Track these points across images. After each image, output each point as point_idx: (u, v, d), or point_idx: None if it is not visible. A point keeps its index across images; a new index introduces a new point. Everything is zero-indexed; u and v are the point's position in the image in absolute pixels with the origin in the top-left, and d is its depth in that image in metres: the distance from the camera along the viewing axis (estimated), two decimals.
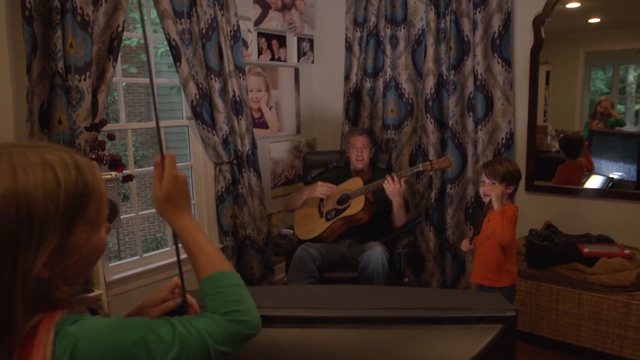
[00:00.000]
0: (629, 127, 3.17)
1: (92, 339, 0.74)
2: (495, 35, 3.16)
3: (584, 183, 3.26)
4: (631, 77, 3.20)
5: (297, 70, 4.03)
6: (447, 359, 0.91)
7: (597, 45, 3.29)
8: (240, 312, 0.83)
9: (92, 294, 2.39)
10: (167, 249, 3.33)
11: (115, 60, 2.67)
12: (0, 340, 0.71)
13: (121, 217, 3.13)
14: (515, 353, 0.99)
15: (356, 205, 3.03)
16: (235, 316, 0.82)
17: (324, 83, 4.17)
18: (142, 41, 5.99)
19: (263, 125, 3.77)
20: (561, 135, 3.33)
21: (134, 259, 3.14)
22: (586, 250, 2.77)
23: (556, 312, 2.84)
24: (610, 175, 3.22)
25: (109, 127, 2.76)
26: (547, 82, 3.34)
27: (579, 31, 3.26)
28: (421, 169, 3.02)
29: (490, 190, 2.38)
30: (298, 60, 4.00)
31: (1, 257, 0.70)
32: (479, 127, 3.28)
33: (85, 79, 2.53)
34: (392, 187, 2.94)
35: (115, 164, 2.57)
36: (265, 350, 0.95)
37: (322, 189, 3.12)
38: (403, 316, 0.95)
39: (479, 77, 3.23)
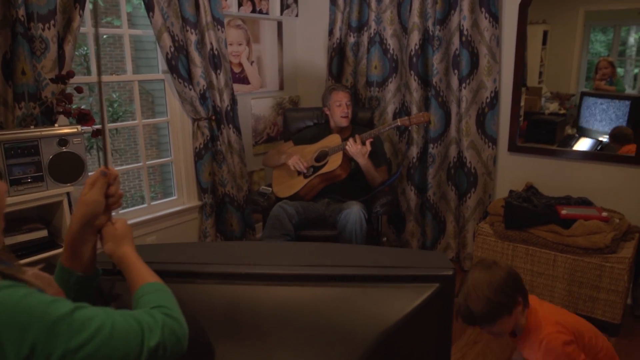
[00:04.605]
0: (628, 91, 3.09)
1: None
2: None
3: (572, 145, 3.21)
4: (632, 39, 3.07)
5: (280, 24, 3.89)
6: (377, 318, 0.88)
7: (597, 4, 3.16)
8: (170, 310, 0.83)
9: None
10: (145, 205, 3.30)
11: (82, 8, 2.55)
12: None
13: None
14: (453, 312, 0.96)
15: (334, 162, 2.98)
16: (166, 311, 0.82)
17: (309, 38, 4.04)
18: None
19: (244, 80, 3.67)
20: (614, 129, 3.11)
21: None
22: (564, 212, 2.75)
23: (531, 273, 2.84)
24: (600, 138, 3.16)
25: (81, 79, 2.68)
26: (544, 43, 3.23)
27: None
28: (399, 123, 2.97)
29: None
30: (281, 13, 3.86)
31: None
32: (463, 85, 3.19)
33: (49, 28, 2.42)
34: (354, 148, 2.89)
35: (84, 117, 2.50)
36: (188, 306, 0.91)
37: (295, 163, 3.05)
38: (333, 274, 0.91)
39: (465, 32, 3.11)
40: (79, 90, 2.55)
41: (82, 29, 2.67)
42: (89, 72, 5.56)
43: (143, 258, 0.96)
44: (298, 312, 0.89)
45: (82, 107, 2.59)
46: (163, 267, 0.95)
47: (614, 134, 3.06)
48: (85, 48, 5.41)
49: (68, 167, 2.31)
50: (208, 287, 0.92)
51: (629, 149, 2.95)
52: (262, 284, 0.91)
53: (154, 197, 6.09)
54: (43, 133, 2.24)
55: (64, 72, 2.52)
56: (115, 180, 0.98)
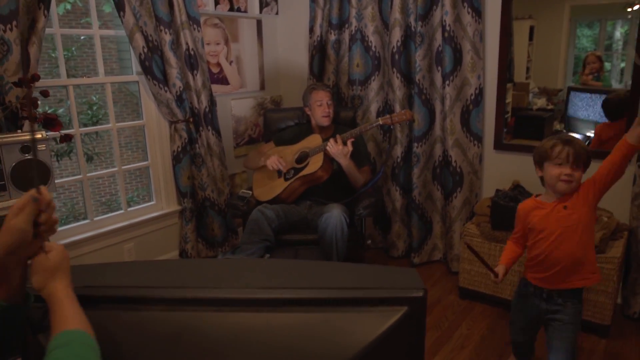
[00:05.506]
0: (615, 85, 3.02)
1: None
2: None
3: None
4: (618, 33, 3.01)
5: (259, 22, 3.78)
6: (338, 347, 0.79)
7: None
8: None
9: None
10: (122, 211, 3.19)
11: (47, 9, 2.44)
12: None
13: (67, 178, 2.97)
14: (424, 337, 0.88)
15: (315, 164, 2.89)
16: None
17: (290, 36, 3.94)
18: None
19: (223, 81, 3.57)
20: (606, 96, 3.02)
21: (84, 223, 3.00)
22: None
23: (519, 274, 2.77)
24: (588, 134, 3.10)
25: (50, 82, 2.57)
26: (531, 38, 3.17)
27: None
28: (381, 122, 2.89)
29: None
30: (260, 11, 3.75)
31: None
32: (447, 82, 3.11)
33: (11, 29, 2.31)
34: (335, 149, 2.81)
35: (50, 123, 2.39)
36: (130, 336, 0.82)
37: (273, 163, 2.94)
38: (290, 297, 0.82)
39: (447, 28, 3.03)
40: (44, 94, 2.44)
41: (48, 30, 2.56)
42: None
43: (81, 280, 0.86)
44: (252, 342, 0.80)
45: (55, 111, 2.48)
46: (101, 292, 0.86)
47: (608, 104, 2.93)
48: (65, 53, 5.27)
49: (32, 175, 2.20)
50: (151, 314, 0.82)
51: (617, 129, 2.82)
52: (212, 310, 0.81)
53: (138, 201, 5.96)
54: (4, 139, 2.13)
55: (28, 75, 2.41)
56: (48, 207, 0.85)
